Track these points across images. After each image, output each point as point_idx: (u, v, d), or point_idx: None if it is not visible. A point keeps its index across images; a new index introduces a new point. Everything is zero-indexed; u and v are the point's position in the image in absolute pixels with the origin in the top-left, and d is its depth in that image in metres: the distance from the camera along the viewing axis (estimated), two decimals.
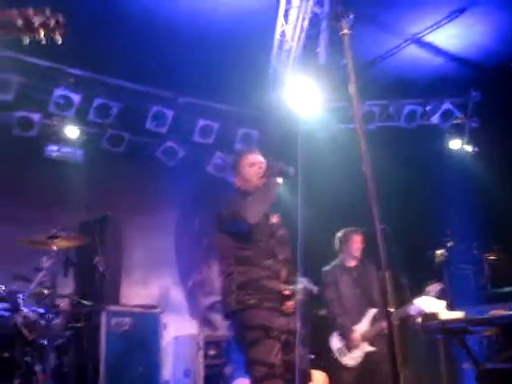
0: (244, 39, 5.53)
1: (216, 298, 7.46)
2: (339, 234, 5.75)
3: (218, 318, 7.38)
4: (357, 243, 5.63)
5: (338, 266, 5.70)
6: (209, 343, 6.73)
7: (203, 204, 7.49)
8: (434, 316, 4.85)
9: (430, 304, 4.92)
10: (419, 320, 5.01)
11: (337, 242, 5.76)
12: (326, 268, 5.72)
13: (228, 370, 6.49)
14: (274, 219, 3.72)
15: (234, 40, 5.59)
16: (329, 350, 5.49)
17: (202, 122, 6.80)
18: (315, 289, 6.95)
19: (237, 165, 3.75)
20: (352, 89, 2.31)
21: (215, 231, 3.62)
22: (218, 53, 5.83)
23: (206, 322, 7.36)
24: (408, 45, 6.01)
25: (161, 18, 5.46)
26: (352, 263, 5.68)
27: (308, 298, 6.83)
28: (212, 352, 6.69)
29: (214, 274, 7.58)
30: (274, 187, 3.54)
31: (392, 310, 2.09)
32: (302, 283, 6.91)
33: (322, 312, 6.87)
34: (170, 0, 5.31)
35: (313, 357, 6.44)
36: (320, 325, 6.78)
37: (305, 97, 5.74)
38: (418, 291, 5.29)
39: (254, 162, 3.68)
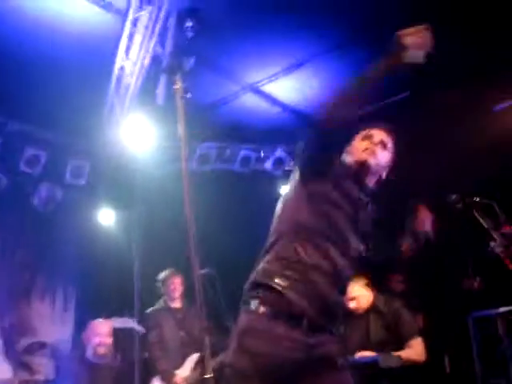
0: (84, 68, 5.32)
1: (34, 338, 6.98)
2: (159, 277, 5.74)
3: (35, 361, 6.90)
4: (175, 284, 5.65)
5: (162, 308, 5.63)
6: None
7: (26, 237, 7.03)
8: None
9: None
10: None
11: (158, 285, 5.73)
12: (149, 311, 5.65)
13: None
14: None
15: (73, 68, 5.35)
16: None
17: (29, 151, 6.39)
18: (142, 330, 6.77)
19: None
20: (181, 132, 2.32)
21: None
22: (54, 79, 5.54)
23: (22, 365, 6.84)
24: (246, 92, 6.16)
25: None
26: (176, 304, 5.65)
27: (135, 339, 6.64)
28: None
29: (33, 312, 7.10)
30: None
31: (209, 376, 2.06)
32: (130, 324, 6.75)
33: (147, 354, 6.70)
34: (8, 18, 4.98)
35: None
36: (145, 367, 6.61)
37: (140, 134, 5.67)
38: None
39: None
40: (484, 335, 5.45)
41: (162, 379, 5.31)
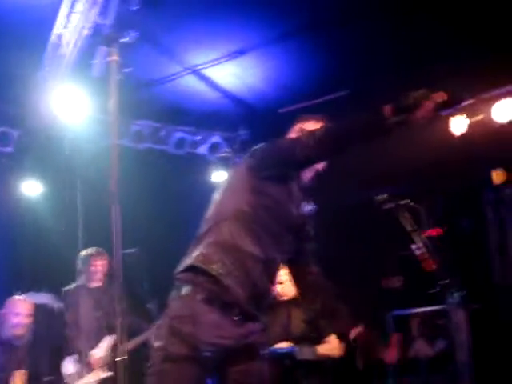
0: (18, 33, 5.07)
1: None
2: (81, 254, 5.56)
3: None
4: (96, 266, 5.50)
5: (80, 287, 5.47)
6: None
7: None
8: None
9: None
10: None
11: (79, 262, 5.56)
12: (67, 288, 5.47)
13: None
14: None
15: (6, 31, 5.10)
16: (59, 374, 5.23)
17: None
18: (60, 306, 6.60)
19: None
20: (112, 107, 2.30)
21: None
22: None
23: None
24: (187, 74, 6.06)
25: None
26: (95, 284, 5.50)
27: (49, 317, 6.48)
28: None
29: None
30: None
31: (120, 359, 2.05)
32: (46, 300, 6.58)
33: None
34: None
35: (49, 378, 6.07)
36: (61, 344, 6.46)
37: (72, 105, 5.50)
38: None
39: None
40: (401, 333, 5.61)
41: (76, 359, 5.20)
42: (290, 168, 2.60)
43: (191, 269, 2.46)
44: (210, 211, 2.63)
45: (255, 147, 2.67)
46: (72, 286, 5.52)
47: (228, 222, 2.49)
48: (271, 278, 2.61)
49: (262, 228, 2.51)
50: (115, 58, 2.20)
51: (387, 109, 2.24)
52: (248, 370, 2.48)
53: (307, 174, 2.73)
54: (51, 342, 6.40)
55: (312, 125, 2.76)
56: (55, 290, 6.65)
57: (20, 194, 6.85)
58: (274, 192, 2.57)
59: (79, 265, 5.57)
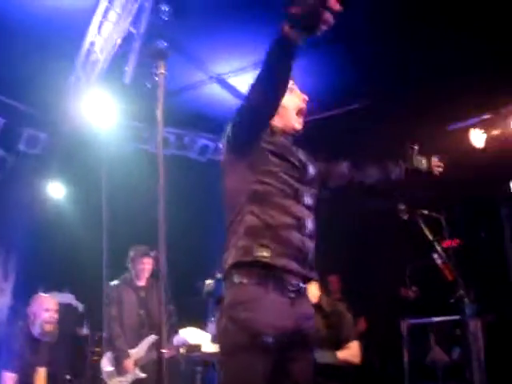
0: (52, 38, 5.22)
1: None
2: (131, 252, 5.61)
3: None
4: (144, 264, 5.55)
5: (126, 283, 5.52)
6: None
7: None
8: (196, 347, 4.96)
9: (194, 335, 5.01)
10: (182, 351, 5.05)
11: (128, 259, 5.61)
12: (113, 283, 5.52)
13: None
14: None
15: (40, 36, 5.24)
16: (98, 370, 5.29)
17: None
18: (80, 306, 6.72)
19: None
20: (159, 116, 2.38)
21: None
22: (19, 44, 5.42)
23: None
24: (212, 82, 6.20)
25: None
26: (141, 282, 5.54)
27: (72, 316, 6.59)
28: None
29: None
30: None
31: (164, 351, 2.13)
32: (69, 299, 6.67)
33: (84, 331, 6.66)
34: None
35: (69, 377, 6.16)
36: (80, 344, 6.57)
37: (101, 110, 5.64)
38: (186, 320, 5.40)
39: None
40: (416, 342, 5.66)
41: (115, 357, 5.21)
42: (259, 126, 2.53)
43: (238, 264, 2.43)
44: (225, 203, 2.59)
45: (225, 132, 2.66)
46: (117, 282, 5.55)
47: (247, 207, 2.47)
48: (309, 235, 2.54)
49: (279, 195, 2.49)
50: (162, 70, 2.29)
51: (283, 27, 2.13)
52: (305, 360, 2.51)
53: (290, 122, 2.74)
54: (73, 341, 6.52)
55: None
56: (78, 290, 6.79)
57: (45, 196, 7.00)
58: (269, 157, 2.55)
59: (128, 261, 5.60)
